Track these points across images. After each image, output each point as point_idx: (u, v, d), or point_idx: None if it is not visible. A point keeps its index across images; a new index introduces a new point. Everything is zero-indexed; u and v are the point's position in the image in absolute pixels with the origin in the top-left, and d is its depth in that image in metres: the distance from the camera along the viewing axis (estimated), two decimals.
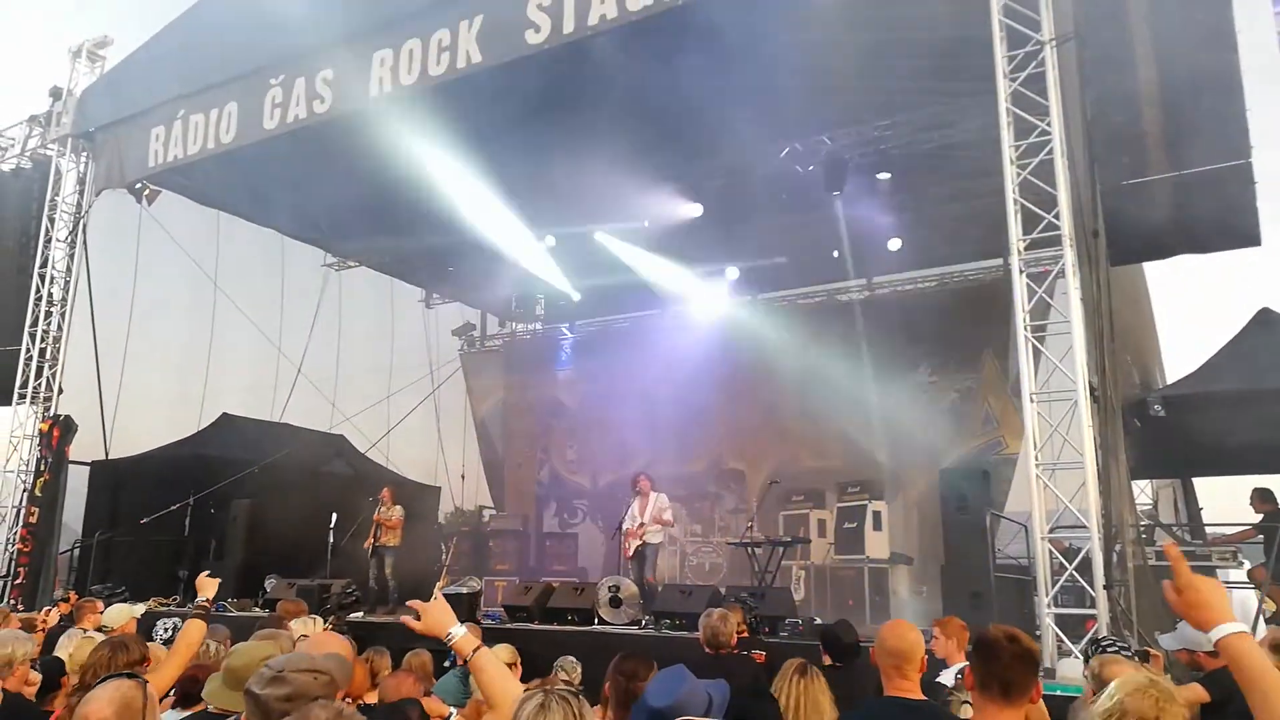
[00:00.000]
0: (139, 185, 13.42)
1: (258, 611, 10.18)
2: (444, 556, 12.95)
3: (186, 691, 3.71)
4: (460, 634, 2.94)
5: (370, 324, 17.26)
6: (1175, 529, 10.83)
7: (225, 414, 14.82)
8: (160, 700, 3.55)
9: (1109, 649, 4.66)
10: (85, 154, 13.84)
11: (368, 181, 12.67)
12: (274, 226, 15.23)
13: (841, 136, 12.13)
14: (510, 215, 14.12)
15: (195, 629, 4.10)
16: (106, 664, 3.74)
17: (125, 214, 13.72)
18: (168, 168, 12.57)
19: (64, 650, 4.81)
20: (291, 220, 15.06)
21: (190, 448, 14.16)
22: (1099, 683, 3.68)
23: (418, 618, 2.98)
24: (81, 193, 13.79)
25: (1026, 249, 7.77)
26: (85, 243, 13.55)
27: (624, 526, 10.36)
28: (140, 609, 6.70)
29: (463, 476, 16.83)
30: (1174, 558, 2.14)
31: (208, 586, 4.42)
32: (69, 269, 13.62)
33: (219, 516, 12.70)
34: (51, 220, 13.64)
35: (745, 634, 6.58)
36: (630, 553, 10.30)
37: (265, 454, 13.38)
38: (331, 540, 12.15)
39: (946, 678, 4.65)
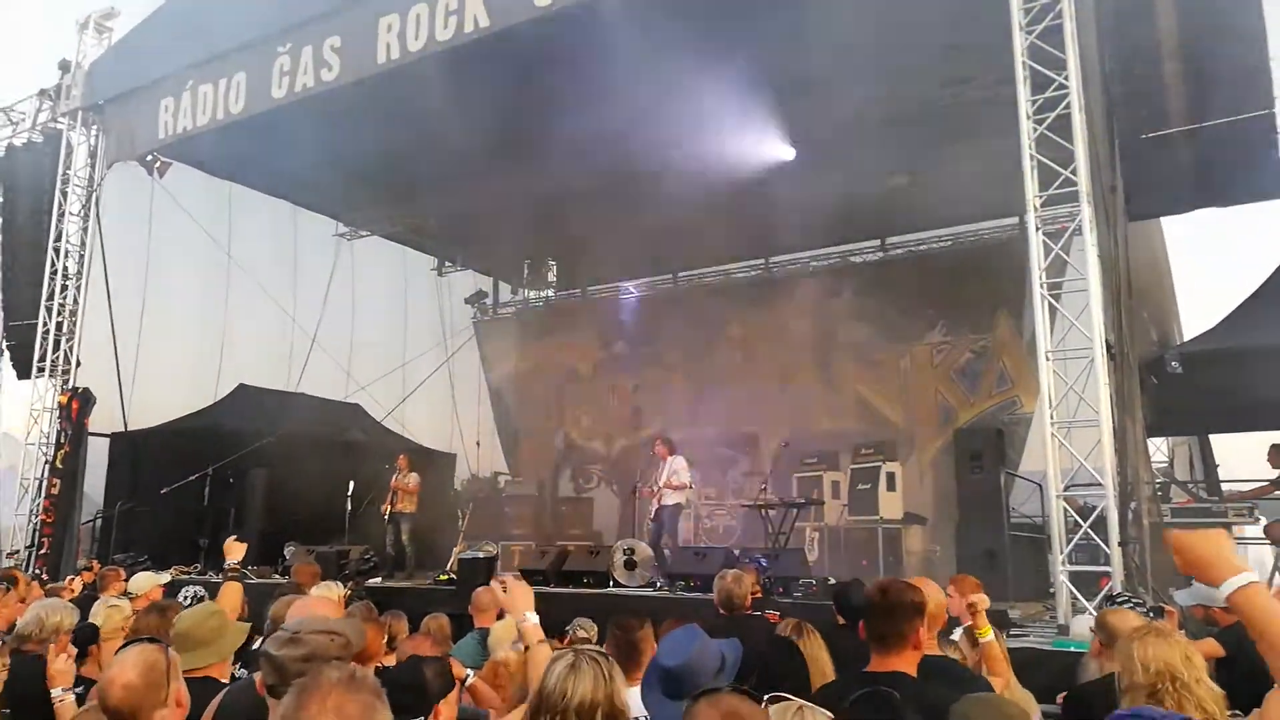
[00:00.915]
0: (150, 157, 13.44)
1: (277, 578, 10.31)
2: (460, 522, 13.05)
3: None
4: (533, 621, 3.15)
5: (383, 293, 17.28)
6: (1191, 485, 10.80)
7: (241, 384, 14.92)
8: None
9: (1122, 604, 4.65)
10: (95, 127, 13.84)
11: (379, 149, 12.62)
12: (285, 196, 15.24)
13: (854, 94, 11.92)
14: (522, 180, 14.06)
15: (234, 591, 4.16)
16: (156, 627, 3.81)
17: (137, 186, 13.74)
18: (178, 139, 12.56)
19: (97, 618, 4.89)
20: (303, 190, 15.05)
21: (208, 418, 14.28)
22: (1106, 634, 3.68)
23: (504, 590, 3.27)
24: (93, 166, 13.80)
25: (1043, 206, 7.66)
26: (99, 216, 13.59)
27: (637, 487, 10.45)
28: (165, 577, 6.79)
29: (478, 443, 16.90)
30: (1167, 541, 2.11)
31: (236, 550, 4.50)
32: (83, 242, 13.68)
33: (237, 486, 12.84)
34: (64, 194, 13.67)
35: (759, 595, 6.61)
36: (652, 516, 10.37)
37: (282, 424, 13.48)
38: (349, 508, 12.28)
39: (958, 635, 4.66)
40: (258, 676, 2.48)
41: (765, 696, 2.05)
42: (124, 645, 2.80)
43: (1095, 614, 5.84)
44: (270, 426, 13.35)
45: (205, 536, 12.33)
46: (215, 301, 15.03)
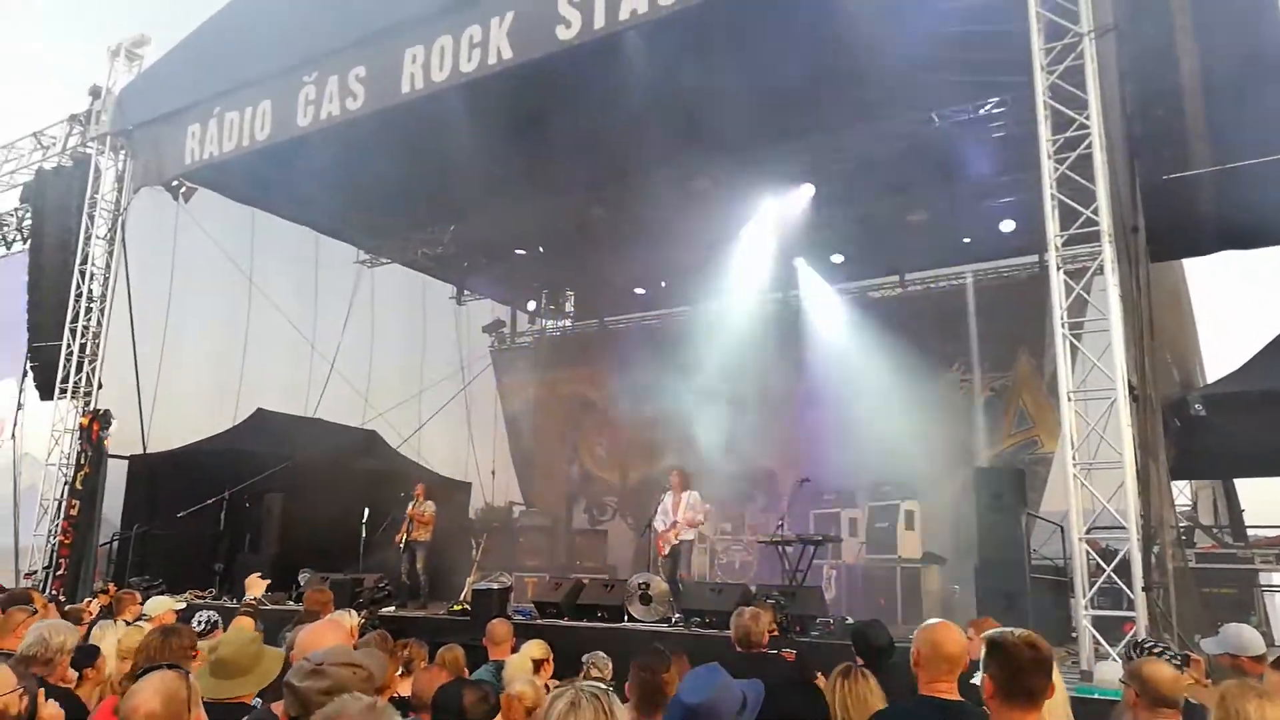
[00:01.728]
0: (176, 183, 13.63)
1: (291, 605, 10.27)
2: (474, 552, 13.00)
3: None
4: None
5: (402, 321, 17.40)
6: (1215, 530, 10.63)
7: (260, 409, 14.99)
8: None
9: (1151, 651, 4.56)
10: (124, 152, 14.06)
11: (401, 177, 12.77)
12: (308, 223, 15.41)
13: (877, 131, 12.00)
14: (542, 210, 14.20)
15: (246, 624, 4.14)
16: (160, 649, 3.79)
17: (163, 211, 13.94)
18: (204, 165, 12.73)
19: (99, 640, 4.88)
20: (325, 216, 15.22)
21: (226, 442, 14.33)
22: (1140, 684, 3.60)
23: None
24: (120, 190, 14.00)
25: (1064, 245, 7.64)
26: (124, 240, 13.76)
27: (654, 523, 10.35)
28: (180, 602, 6.78)
29: (493, 473, 16.89)
30: None
31: (257, 586, 4.48)
32: (108, 265, 13.84)
33: (253, 511, 12.87)
34: (91, 218, 13.86)
35: (776, 633, 6.53)
36: (664, 552, 10.28)
37: (299, 449, 13.53)
38: (364, 535, 12.26)
39: (979, 679, 4.59)
40: (277, 706, 2.47)
41: None
42: (144, 671, 2.78)
43: (1120, 660, 5.74)
44: (287, 452, 13.39)
45: (220, 561, 12.35)
46: (236, 326, 15.17)
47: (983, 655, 2.86)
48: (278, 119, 11.77)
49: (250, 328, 15.15)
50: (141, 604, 6.89)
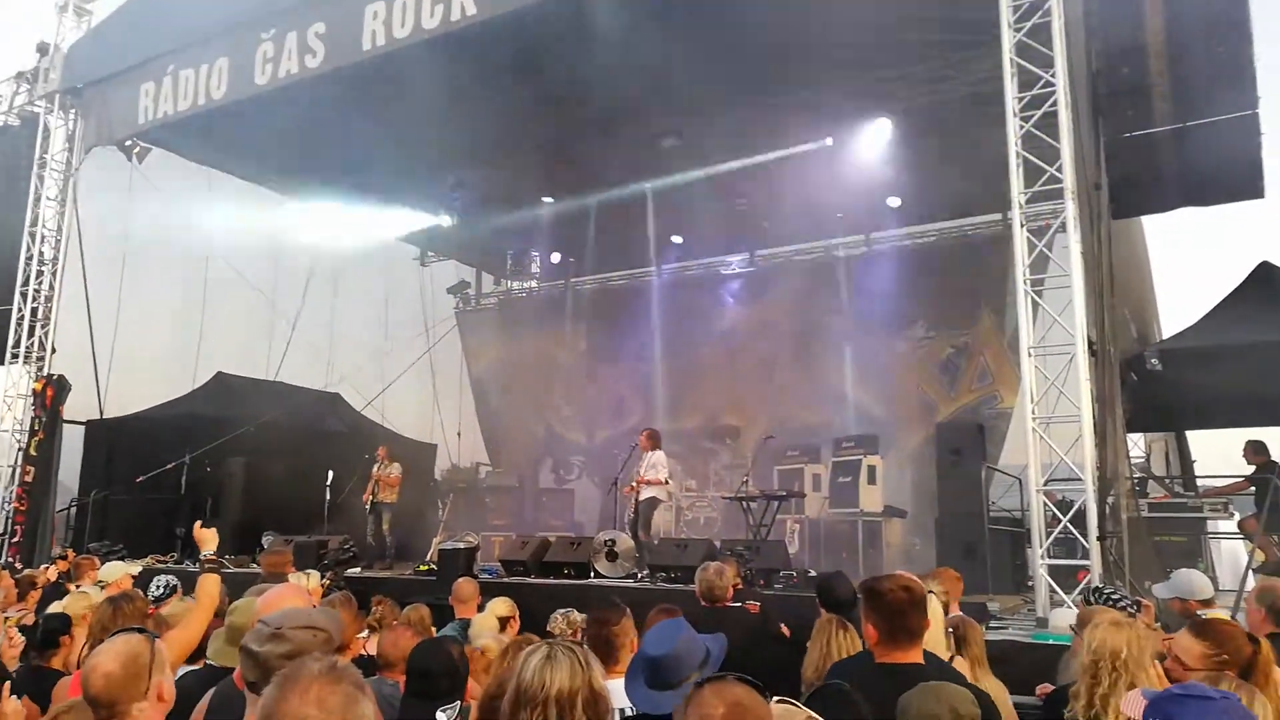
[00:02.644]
0: (129, 142, 13.26)
1: (255, 568, 10.22)
2: (441, 513, 13.00)
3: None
4: None
5: (365, 282, 17.12)
6: (1168, 481, 10.91)
7: (220, 373, 14.78)
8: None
9: (1103, 599, 4.68)
10: (74, 111, 13.65)
11: (362, 136, 12.51)
12: (266, 183, 15.08)
13: (842, 89, 11.94)
14: (505, 171, 14.02)
15: (211, 583, 4.07)
16: (112, 618, 3.73)
17: (116, 171, 13.56)
18: (158, 124, 12.41)
19: (62, 607, 4.81)
20: (285, 177, 14.91)
21: (185, 406, 14.14)
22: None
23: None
24: (71, 150, 13.61)
25: (1028, 202, 7.69)
26: (76, 201, 13.41)
27: (619, 479, 10.44)
28: (136, 566, 6.71)
29: (459, 434, 16.84)
30: None
31: (208, 539, 4.37)
32: (59, 228, 13.50)
33: (215, 475, 12.74)
34: (40, 178, 13.48)
35: (740, 586, 6.61)
36: (633, 506, 10.38)
37: (260, 412, 13.38)
38: (328, 497, 12.21)
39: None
40: (236, 671, 2.44)
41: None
42: (112, 635, 2.74)
43: (1074, 607, 5.89)
44: (249, 415, 13.24)
45: (182, 525, 12.21)
46: (194, 289, 14.86)
47: (862, 605, 3.00)
48: (234, 77, 11.47)
49: (209, 290, 14.85)
50: (100, 569, 6.83)
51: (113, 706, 2.45)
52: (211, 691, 2.78)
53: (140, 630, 2.69)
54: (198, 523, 4.56)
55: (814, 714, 2.07)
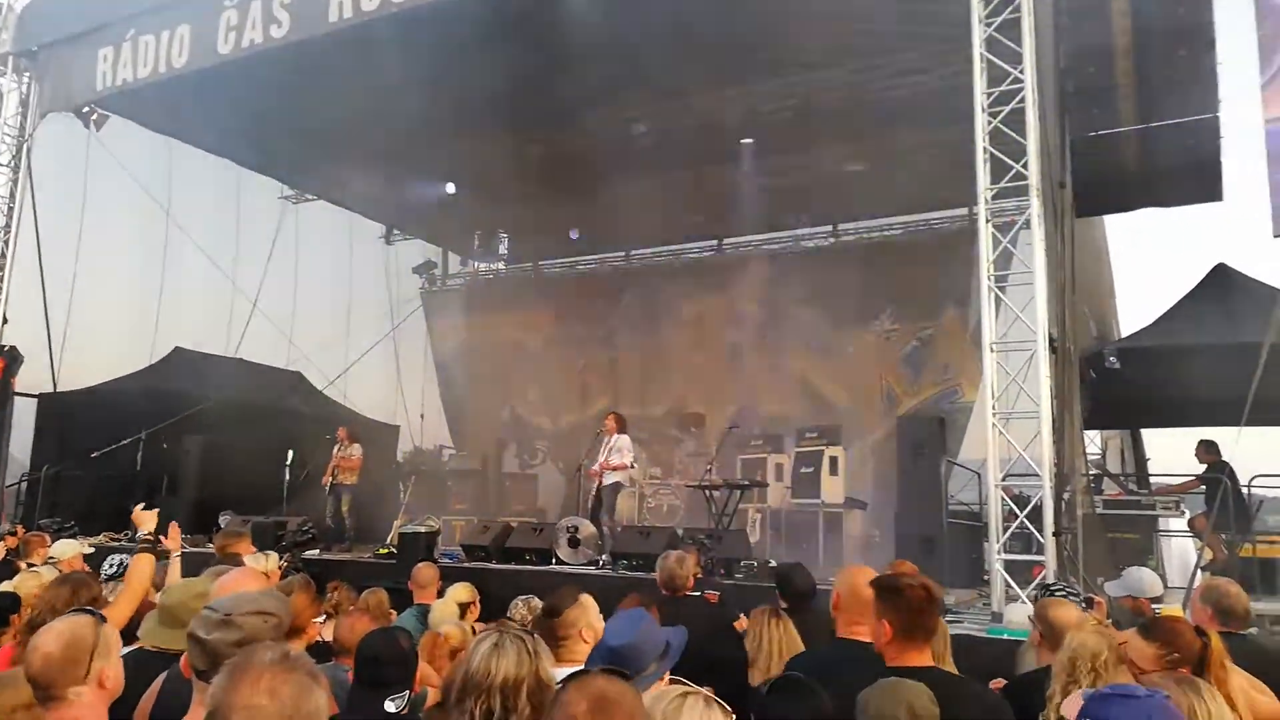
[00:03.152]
0: (86, 109, 12.92)
1: (210, 548, 10.07)
2: (402, 495, 12.90)
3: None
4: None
5: (328, 260, 16.89)
6: (1122, 478, 11.12)
7: (178, 348, 14.53)
8: None
9: (1057, 594, 4.75)
10: (28, 74, 13.26)
11: (329, 111, 12.30)
12: (229, 156, 14.78)
13: (811, 82, 11.95)
14: (476, 148, 13.84)
15: (145, 563, 4.00)
16: (68, 600, 3.65)
17: (72, 139, 13.22)
18: (116, 91, 12.09)
19: (12, 586, 4.70)
20: (247, 150, 14.62)
21: (141, 381, 13.88)
22: (1045, 625, 3.76)
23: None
24: (24, 115, 13.22)
25: (993, 198, 7.74)
26: (30, 168, 13.06)
27: (583, 465, 10.43)
28: (88, 545, 6.57)
29: (422, 416, 16.72)
30: None
31: (146, 519, 4.30)
32: (12, 194, 13.13)
33: (171, 452, 12.53)
34: None
35: (700, 575, 6.63)
36: (594, 493, 10.36)
37: (219, 389, 13.16)
38: (287, 477, 12.05)
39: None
40: (183, 659, 2.39)
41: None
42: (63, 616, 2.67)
43: (1030, 602, 5.97)
44: (207, 392, 13.03)
45: (137, 503, 11.98)
46: (152, 261, 14.56)
47: (877, 602, 2.95)
48: (197, 45, 11.20)
49: (168, 263, 14.57)
50: (50, 547, 6.67)
51: (49, 689, 2.38)
52: (161, 678, 2.71)
53: (90, 612, 2.62)
54: (138, 506, 4.49)
55: (693, 689, 2.03)
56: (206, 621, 2.30)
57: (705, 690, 2.04)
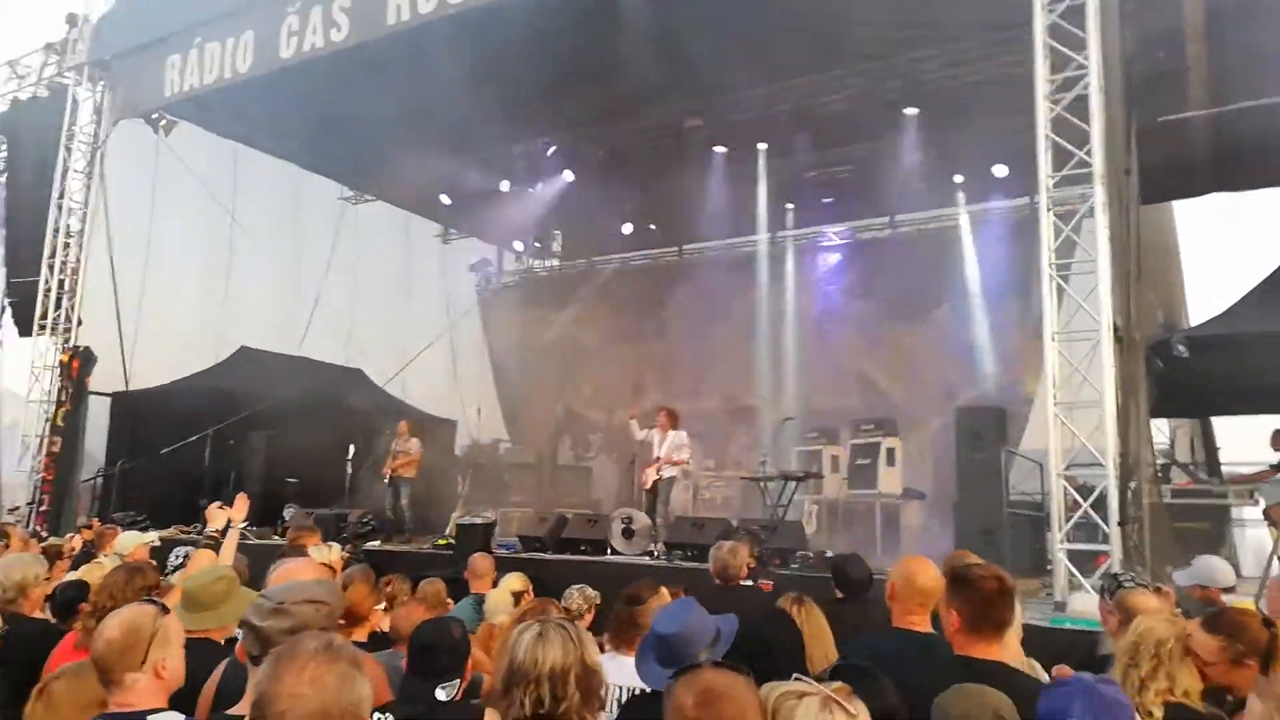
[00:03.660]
0: (155, 115, 13.35)
1: (276, 540, 10.35)
2: (460, 488, 13.08)
3: None
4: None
5: (387, 259, 17.20)
6: (1191, 467, 10.79)
7: (244, 347, 14.91)
8: None
9: (1126, 584, 4.64)
10: (101, 83, 13.72)
11: (386, 113, 12.51)
12: (291, 158, 15.14)
13: (868, 72, 11.82)
14: (533, 148, 14.00)
15: (204, 558, 4.12)
16: (122, 588, 3.78)
17: (142, 145, 13.67)
18: (184, 97, 12.47)
19: (80, 575, 4.89)
20: (308, 152, 14.95)
21: (209, 380, 14.27)
22: (1124, 613, 3.67)
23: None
24: (98, 122, 13.70)
25: (1055, 186, 7.58)
26: (103, 174, 13.52)
27: (636, 455, 10.46)
28: (152, 536, 6.78)
29: (479, 411, 16.90)
30: None
31: (217, 518, 4.44)
32: (86, 200, 13.61)
33: (238, 447, 12.87)
34: (69, 150, 13.58)
35: (754, 565, 6.61)
36: (648, 485, 10.39)
37: (283, 387, 13.48)
38: (349, 471, 12.30)
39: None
40: (239, 644, 2.46)
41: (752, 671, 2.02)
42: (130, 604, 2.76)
43: (1093, 592, 5.84)
44: (272, 390, 13.35)
45: (205, 497, 12.35)
46: (218, 263, 14.98)
47: (947, 590, 2.89)
48: (260, 50, 11.50)
49: (233, 264, 14.97)
50: None
51: (108, 673, 2.46)
52: (222, 665, 2.80)
53: (153, 602, 2.70)
54: (215, 504, 4.63)
55: (833, 694, 2.00)
56: (260, 609, 2.36)
57: (826, 689, 2.01)
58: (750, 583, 5.50)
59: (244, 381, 13.97)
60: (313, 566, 3.47)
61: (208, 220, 14.69)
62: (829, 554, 7.94)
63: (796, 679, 2.07)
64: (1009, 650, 3.36)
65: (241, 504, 4.81)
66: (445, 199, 16.55)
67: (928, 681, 2.45)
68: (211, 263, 15.02)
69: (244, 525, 5.05)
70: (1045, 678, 3.60)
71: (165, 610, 2.68)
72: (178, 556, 5.50)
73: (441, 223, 18.44)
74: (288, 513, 11.48)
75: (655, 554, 8.98)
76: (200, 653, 2.87)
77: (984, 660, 2.73)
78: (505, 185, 15.64)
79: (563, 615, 3.42)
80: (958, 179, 13.47)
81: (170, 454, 12.55)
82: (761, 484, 9.71)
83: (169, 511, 12.00)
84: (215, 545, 4.40)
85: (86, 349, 12.98)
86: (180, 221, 14.49)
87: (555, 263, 19.64)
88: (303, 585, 2.55)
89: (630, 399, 16.15)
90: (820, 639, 3.66)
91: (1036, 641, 5.36)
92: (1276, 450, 9.18)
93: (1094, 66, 7.34)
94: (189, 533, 11.45)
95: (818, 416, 13.52)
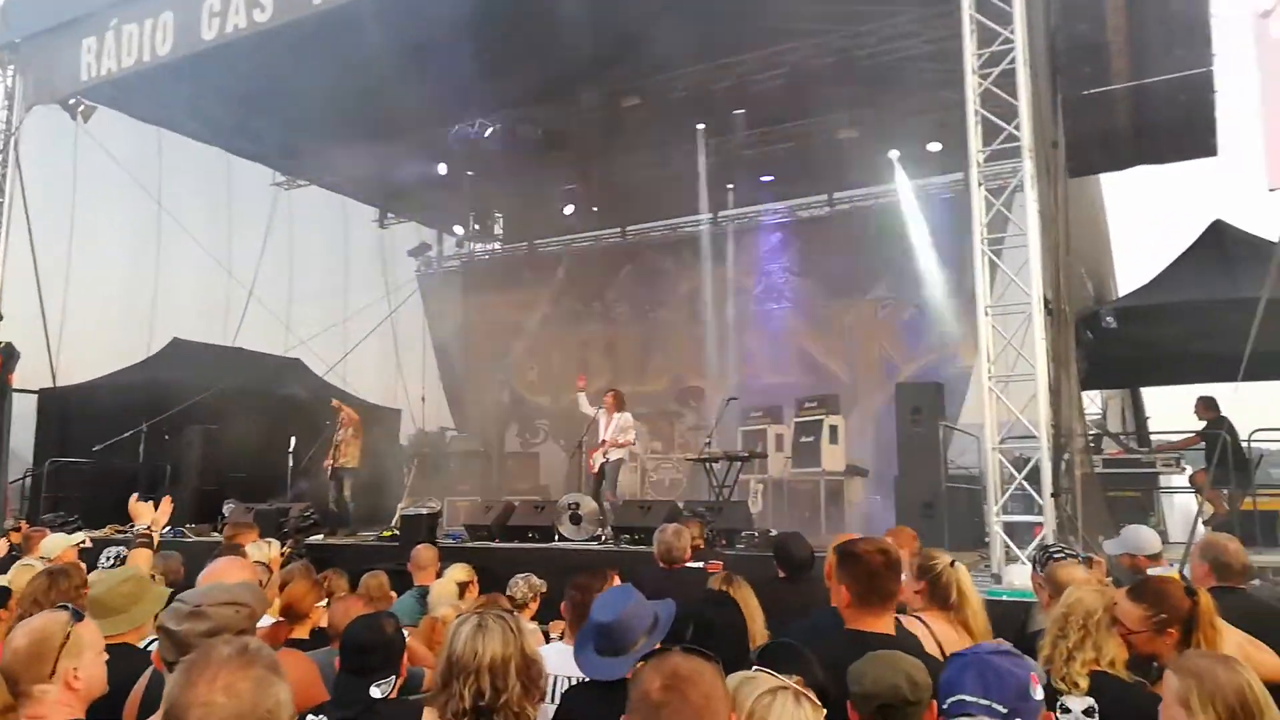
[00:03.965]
0: (73, 100, 12.83)
1: (216, 536, 10.12)
2: (406, 478, 12.93)
3: None
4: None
5: (323, 245, 16.83)
6: (1122, 437, 11.12)
7: (176, 339, 14.51)
8: None
9: (1055, 555, 4.75)
10: (12, 67, 13.13)
11: (317, 96, 12.21)
12: (218, 144, 14.69)
13: (802, 50, 11.83)
14: (470, 130, 13.76)
15: (141, 557, 4.00)
16: (45, 592, 3.64)
17: (61, 131, 13.14)
18: (102, 81, 11.99)
19: (5, 580, 4.71)
20: (237, 137, 14.53)
21: (141, 374, 13.88)
22: (1053, 586, 3.76)
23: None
24: (10, 108, 13.13)
25: (986, 161, 7.68)
26: (18, 161, 12.97)
27: (582, 443, 10.44)
28: (81, 536, 6.57)
29: (423, 398, 16.73)
30: None
31: (143, 512, 4.28)
32: (2, 189, 13.06)
33: (174, 443, 12.55)
34: None
35: (701, 546, 6.65)
36: (594, 469, 10.40)
37: (219, 379, 13.16)
38: (291, 464, 12.08)
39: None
40: (154, 650, 2.38)
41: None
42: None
43: (1029, 563, 5.98)
44: (207, 382, 13.03)
45: (140, 495, 12.02)
46: (146, 253, 14.52)
47: (835, 567, 2.95)
48: (180, 32, 11.10)
49: (161, 254, 14.52)
50: None
51: (16, 684, 2.34)
52: (148, 673, 2.71)
53: (66, 608, 2.58)
54: (134, 497, 4.48)
55: (786, 683, 2.01)
56: (176, 613, 2.28)
57: (794, 682, 2.04)
58: (700, 564, 5.52)
59: (178, 375, 13.61)
60: (242, 566, 3.38)
61: (134, 209, 14.20)
62: (774, 533, 8.02)
63: (759, 670, 2.10)
64: (978, 624, 3.42)
65: (165, 508, 4.64)
66: (381, 183, 16.23)
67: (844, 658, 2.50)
68: (139, 253, 14.55)
69: (187, 526, 4.91)
70: None
71: (79, 616, 2.54)
72: (108, 558, 5.34)
73: (379, 207, 18.10)
74: (227, 509, 11.21)
75: (603, 538, 8.98)
76: (119, 659, 2.76)
77: (874, 633, 2.80)
78: (443, 169, 15.39)
79: (507, 607, 3.40)
80: (893, 154, 13.59)
81: (102, 451, 12.19)
82: (707, 465, 9.76)
83: (102, 511, 11.63)
84: (150, 541, 4.26)
85: (9, 345, 12.47)
86: (104, 211, 14.00)
87: (497, 246, 19.43)
88: (223, 587, 2.48)
89: (576, 383, 16.11)
90: (754, 618, 3.69)
91: None
92: (1201, 418, 9.50)
93: (1020, 40, 7.43)
94: (125, 532, 11.14)
95: (761, 396, 13.63)
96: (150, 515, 4.31)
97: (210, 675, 1.61)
